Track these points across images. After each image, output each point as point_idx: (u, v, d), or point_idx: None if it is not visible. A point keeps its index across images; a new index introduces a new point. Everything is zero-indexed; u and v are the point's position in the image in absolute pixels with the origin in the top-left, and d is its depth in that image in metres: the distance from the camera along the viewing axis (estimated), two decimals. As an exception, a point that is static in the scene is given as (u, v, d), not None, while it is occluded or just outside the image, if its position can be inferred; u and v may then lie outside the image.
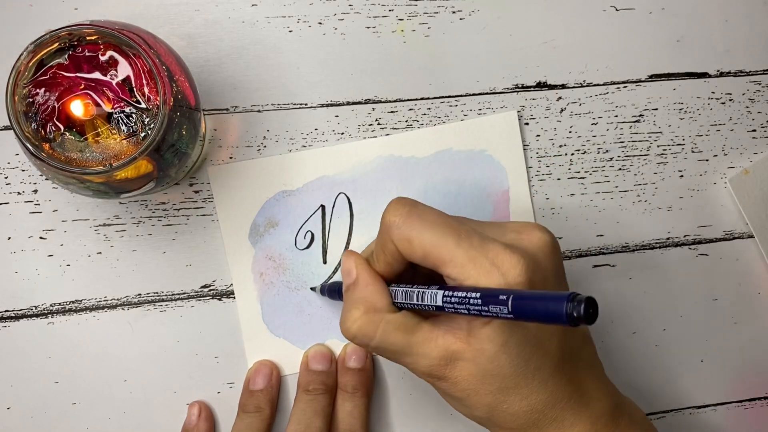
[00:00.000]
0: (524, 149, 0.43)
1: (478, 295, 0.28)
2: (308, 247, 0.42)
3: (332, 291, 0.39)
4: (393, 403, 0.43)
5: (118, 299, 0.40)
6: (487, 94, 0.43)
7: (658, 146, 0.44)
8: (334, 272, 0.42)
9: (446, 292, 0.30)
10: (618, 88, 0.44)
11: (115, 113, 0.32)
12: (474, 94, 0.43)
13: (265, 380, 0.40)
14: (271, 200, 0.41)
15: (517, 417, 0.32)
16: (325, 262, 0.42)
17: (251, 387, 0.40)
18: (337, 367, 0.41)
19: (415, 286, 0.32)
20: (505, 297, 0.26)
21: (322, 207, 0.42)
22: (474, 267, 0.30)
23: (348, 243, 0.42)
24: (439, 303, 0.30)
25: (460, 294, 0.29)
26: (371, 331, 0.32)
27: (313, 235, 0.42)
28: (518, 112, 0.43)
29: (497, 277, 0.30)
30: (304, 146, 0.42)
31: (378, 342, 0.32)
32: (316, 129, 0.42)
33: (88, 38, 0.32)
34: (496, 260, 0.30)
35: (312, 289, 0.42)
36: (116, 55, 0.32)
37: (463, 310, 0.29)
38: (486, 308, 0.28)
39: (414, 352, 0.32)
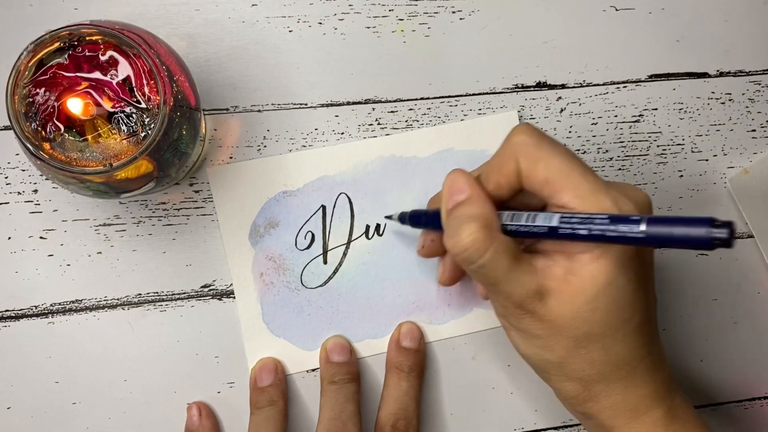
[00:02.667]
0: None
1: (606, 215, 0.28)
2: (309, 247, 0.42)
3: (416, 218, 0.38)
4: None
5: (118, 299, 0.40)
6: (487, 94, 0.43)
7: (658, 146, 0.44)
8: (335, 272, 0.42)
9: (564, 213, 0.30)
10: (618, 88, 0.44)
11: (116, 113, 0.32)
12: (474, 94, 0.43)
13: (272, 375, 0.40)
14: (271, 200, 0.41)
15: (592, 365, 0.32)
16: (325, 262, 0.42)
17: (259, 384, 0.40)
18: (356, 357, 0.41)
19: (524, 212, 0.32)
20: (638, 217, 0.27)
21: (323, 207, 0.42)
22: (596, 200, 0.30)
23: (348, 243, 0.42)
24: (555, 223, 0.30)
25: (582, 215, 0.29)
26: (484, 247, 0.31)
27: (313, 235, 0.42)
28: (518, 112, 0.43)
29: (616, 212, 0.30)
30: (305, 146, 0.42)
31: (487, 260, 0.31)
32: (316, 129, 0.42)
33: (88, 38, 0.32)
34: (618, 201, 0.30)
35: (387, 217, 0.41)
36: (116, 55, 0.32)
37: (582, 231, 0.29)
38: (614, 227, 0.27)
39: (514, 279, 0.31)
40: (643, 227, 0.27)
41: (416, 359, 0.41)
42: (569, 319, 0.31)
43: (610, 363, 0.32)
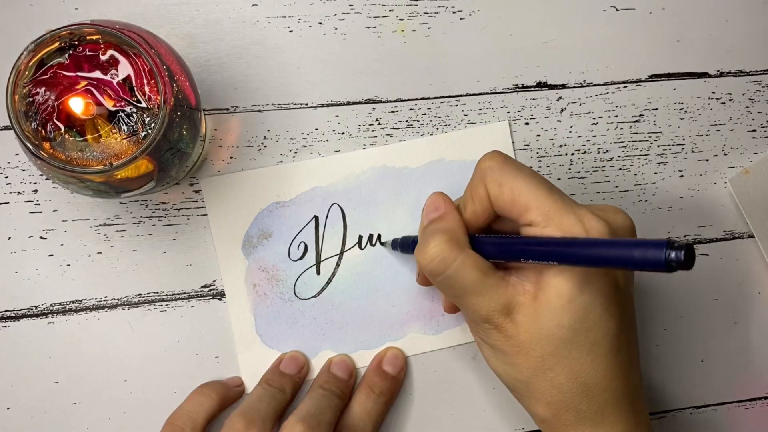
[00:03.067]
0: (525, 150, 0.43)
1: (562, 240, 0.29)
2: (302, 258, 0.42)
3: (405, 245, 0.40)
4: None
5: (118, 299, 0.40)
6: (487, 94, 0.43)
7: (658, 146, 0.44)
8: (328, 283, 0.42)
9: (530, 237, 0.31)
10: (618, 88, 0.44)
11: (116, 112, 0.32)
12: (474, 94, 0.43)
13: (296, 368, 0.41)
14: (264, 211, 0.41)
15: (559, 390, 0.32)
16: (318, 272, 0.42)
17: (282, 368, 0.40)
18: (355, 381, 0.41)
19: (491, 236, 0.33)
20: (589, 241, 0.28)
21: (316, 218, 0.42)
22: (559, 217, 0.31)
23: (341, 254, 0.42)
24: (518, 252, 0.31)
25: (540, 248, 0.30)
26: (450, 259, 0.32)
27: (306, 246, 0.42)
28: (518, 112, 0.43)
29: (580, 231, 0.30)
30: (305, 146, 0.42)
31: (453, 272, 0.32)
32: (316, 129, 0.42)
33: (88, 37, 0.32)
34: (583, 219, 0.31)
35: (382, 243, 0.42)
36: (117, 55, 0.32)
37: (547, 261, 0.29)
38: (568, 249, 0.28)
39: (481, 293, 0.32)
40: (596, 250, 0.27)
41: (390, 386, 0.41)
42: (535, 335, 0.31)
43: (579, 391, 0.32)
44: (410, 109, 0.42)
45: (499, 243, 0.32)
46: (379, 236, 0.42)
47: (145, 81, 0.32)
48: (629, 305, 0.34)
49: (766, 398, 0.46)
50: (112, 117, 0.32)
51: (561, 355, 0.31)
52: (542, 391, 0.33)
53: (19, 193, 0.40)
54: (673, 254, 0.24)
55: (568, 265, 0.30)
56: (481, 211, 0.34)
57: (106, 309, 0.40)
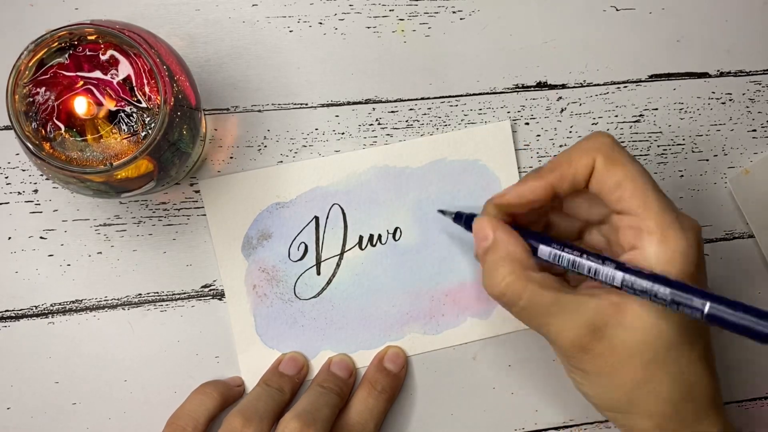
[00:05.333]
0: (525, 150, 0.43)
1: (668, 291, 0.28)
2: (302, 258, 0.42)
3: (470, 220, 0.37)
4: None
5: (118, 299, 0.40)
6: (487, 94, 0.43)
7: (658, 146, 0.44)
8: (328, 283, 0.42)
9: (627, 276, 0.29)
10: (618, 88, 0.44)
11: (117, 112, 0.32)
12: (474, 94, 0.43)
13: (296, 369, 0.41)
14: (264, 212, 0.41)
15: (662, 400, 0.31)
16: (318, 273, 0.42)
17: (281, 368, 0.40)
18: (355, 380, 0.41)
19: (585, 256, 0.31)
20: (699, 304, 0.27)
21: (316, 218, 0.42)
22: (660, 212, 0.30)
23: (342, 254, 0.42)
24: (617, 284, 0.30)
25: (645, 284, 0.29)
26: (520, 289, 0.31)
27: (306, 246, 0.42)
28: (514, 121, 0.43)
29: (677, 229, 0.30)
30: (305, 146, 0.42)
31: (527, 301, 0.31)
32: (316, 129, 0.42)
33: (88, 37, 0.32)
34: (683, 223, 0.30)
35: (440, 211, 0.41)
36: (117, 55, 0.32)
37: (644, 297, 0.29)
38: (676, 306, 0.28)
39: (560, 313, 0.31)
40: (706, 310, 0.27)
41: (392, 382, 0.41)
42: (633, 347, 0.30)
43: (681, 396, 0.31)
44: (410, 109, 0.42)
45: (591, 263, 0.31)
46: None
47: (145, 81, 0.32)
48: None
49: (766, 398, 0.46)
50: (112, 117, 0.32)
51: (662, 361, 0.31)
52: (645, 403, 0.31)
53: (19, 193, 0.40)
54: None
55: (663, 305, 0.29)
56: (570, 179, 0.32)
57: (106, 309, 0.40)
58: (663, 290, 0.28)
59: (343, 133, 0.42)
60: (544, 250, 0.33)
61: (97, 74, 0.32)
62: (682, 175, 0.45)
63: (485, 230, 0.33)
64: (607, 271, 0.30)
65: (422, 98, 0.42)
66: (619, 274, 0.30)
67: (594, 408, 0.35)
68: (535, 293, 0.31)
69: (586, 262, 0.31)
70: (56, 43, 0.31)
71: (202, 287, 0.41)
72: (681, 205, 0.45)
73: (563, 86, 0.44)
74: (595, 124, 0.44)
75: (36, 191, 0.40)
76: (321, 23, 0.42)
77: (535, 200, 0.33)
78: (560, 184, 0.33)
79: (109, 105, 0.32)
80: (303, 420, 0.36)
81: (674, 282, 0.28)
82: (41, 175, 0.40)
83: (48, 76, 0.31)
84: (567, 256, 0.32)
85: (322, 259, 0.42)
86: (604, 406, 0.33)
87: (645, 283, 0.29)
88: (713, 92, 0.45)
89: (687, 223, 0.31)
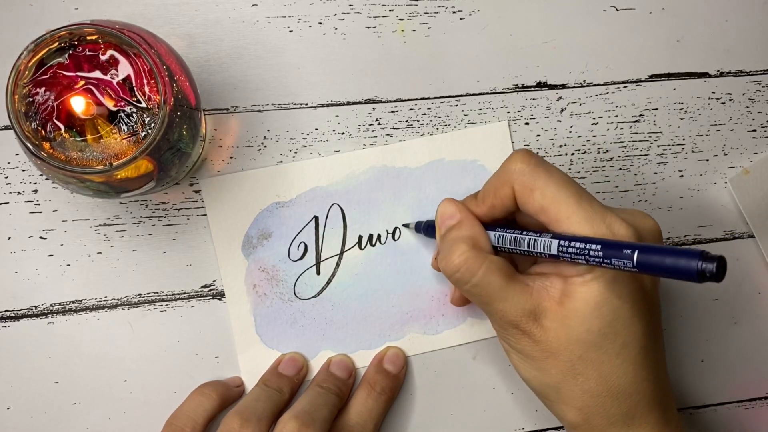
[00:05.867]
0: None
1: (599, 247, 0.29)
2: (302, 258, 0.42)
3: (430, 228, 0.39)
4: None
5: (118, 299, 0.40)
6: (487, 94, 0.43)
7: (658, 146, 0.44)
8: (328, 283, 0.42)
9: (562, 241, 0.30)
10: (618, 88, 0.44)
11: (117, 112, 0.32)
12: (474, 94, 0.43)
13: (295, 370, 0.41)
14: (264, 212, 0.41)
15: (590, 395, 0.32)
16: (318, 273, 0.42)
17: (280, 369, 0.40)
18: (354, 381, 0.41)
19: (525, 232, 0.33)
20: (629, 251, 0.27)
21: (316, 218, 0.42)
22: (590, 228, 0.31)
23: (341, 254, 0.42)
24: (554, 252, 0.31)
25: (578, 244, 0.30)
26: (475, 267, 0.32)
27: (306, 246, 0.42)
28: (518, 112, 0.43)
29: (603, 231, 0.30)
30: (305, 146, 0.42)
31: (479, 279, 0.32)
32: (316, 129, 0.42)
33: (88, 37, 0.32)
34: (612, 227, 0.31)
35: (405, 225, 0.42)
36: (117, 55, 0.32)
37: (580, 260, 0.30)
38: (608, 261, 0.28)
39: (508, 297, 0.32)
40: (635, 257, 0.27)
41: (391, 383, 0.41)
42: (564, 340, 0.32)
43: (609, 394, 0.32)
44: (410, 109, 0.42)
45: (529, 236, 0.32)
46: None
47: (145, 81, 0.32)
48: (656, 308, 0.34)
49: (766, 398, 0.46)
50: (112, 117, 0.32)
51: (591, 359, 0.31)
52: (573, 395, 0.33)
53: (19, 193, 0.40)
54: (705, 266, 0.25)
55: (597, 265, 0.29)
56: (500, 207, 0.34)
57: (106, 309, 0.40)
58: (594, 247, 0.29)
59: (343, 133, 0.42)
60: (490, 234, 0.34)
61: (97, 74, 0.32)
62: (682, 175, 0.45)
63: (451, 210, 0.35)
64: (543, 240, 0.31)
65: (422, 98, 0.42)
66: (555, 242, 0.31)
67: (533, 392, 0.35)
68: (489, 273, 0.32)
69: (525, 237, 0.33)
70: (56, 43, 0.31)
71: (202, 287, 0.41)
72: (681, 205, 0.45)
73: (563, 86, 0.44)
74: (595, 124, 0.44)
75: (36, 191, 0.40)
76: (321, 23, 0.42)
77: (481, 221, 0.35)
78: (493, 213, 0.34)
79: (109, 105, 0.32)
80: (301, 420, 0.36)
81: (604, 240, 0.29)
82: (41, 175, 0.40)
83: (48, 76, 0.31)
84: (509, 235, 0.33)
85: (322, 259, 0.42)
86: (537, 391, 0.35)
87: (578, 245, 0.30)
88: (713, 92, 0.45)
89: (623, 220, 0.31)
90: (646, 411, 0.33)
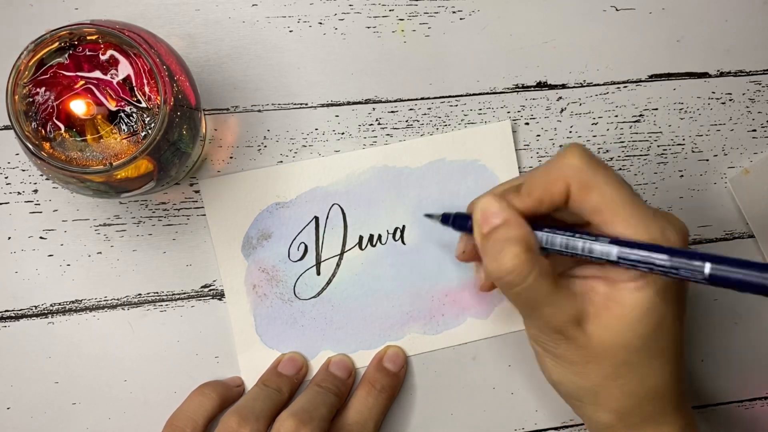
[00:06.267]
0: (525, 150, 0.43)
1: (666, 257, 0.28)
2: (302, 258, 0.42)
3: (462, 220, 0.37)
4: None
5: (118, 299, 0.40)
6: (487, 94, 0.43)
7: (658, 146, 0.44)
8: (328, 283, 0.42)
9: (624, 249, 0.29)
10: (618, 88, 0.44)
11: (117, 112, 0.32)
12: (474, 94, 0.43)
13: (294, 370, 0.41)
14: (264, 212, 0.41)
15: (629, 397, 0.32)
16: (318, 273, 0.42)
17: (280, 369, 0.40)
18: (354, 381, 0.41)
19: (578, 235, 0.31)
20: (700, 263, 0.26)
21: (316, 218, 0.42)
22: (646, 233, 0.30)
23: (342, 254, 0.42)
24: (613, 258, 0.30)
25: (642, 252, 0.29)
26: (527, 271, 0.30)
27: (306, 246, 0.42)
28: (514, 121, 0.43)
29: (662, 243, 0.30)
30: (305, 146, 0.42)
31: (530, 283, 0.31)
32: (316, 129, 0.42)
33: (88, 37, 0.32)
34: (666, 232, 0.30)
35: (428, 216, 0.40)
36: (117, 55, 0.32)
37: (642, 268, 0.29)
38: (674, 270, 0.27)
39: (555, 303, 0.31)
40: (707, 270, 0.26)
41: (391, 382, 0.41)
42: (609, 345, 0.31)
43: (648, 395, 0.32)
44: (410, 109, 0.42)
45: (585, 241, 0.31)
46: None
47: (145, 81, 0.32)
48: (685, 308, 0.34)
49: (766, 398, 0.46)
50: (112, 117, 0.32)
51: (634, 363, 0.31)
52: (611, 398, 0.32)
53: (19, 193, 0.40)
54: None
55: (660, 274, 0.29)
56: (548, 203, 0.32)
57: (106, 309, 0.40)
58: (660, 257, 0.28)
59: (343, 133, 0.42)
60: (536, 234, 0.32)
61: (97, 74, 0.32)
62: (682, 175, 0.45)
63: (495, 207, 0.32)
64: (601, 247, 0.30)
65: (422, 98, 0.42)
66: (615, 249, 0.30)
67: (558, 395, 0.35)
68: (539, 278, 0.31)
69: (579, 242, 0.31)
70: (56, 43, 0.31)
71: (202, 287, 0.41)
72: (681, 205, 0.45)
73: (563, 86, 0.44)
74: (595, 124, 0.44)
75: (36, 191, 0.40)
76: (321, 23, 0.42)
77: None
78: (539, 208, 0.32)
79: (109, 105, 0.32)
80: (299, 418, 0.36)
81: (670, 248, 0.28)
82: (41, 175, 0.40)
83: (48, 76, 0.31)
84: (559, 239, 0.32)
85: (322, 259, 0.42)
86: (569, 394, 0.34)
87: (641, 253, 0.29)
88: (713, 92, 0.45)
89: (670, 224, 0.31)
90: (675, 409, 0.33)
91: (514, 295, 0.32)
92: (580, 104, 0.44)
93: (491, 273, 0.32)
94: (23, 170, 0.40)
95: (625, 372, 0.32)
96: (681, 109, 0.45)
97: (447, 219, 0.39)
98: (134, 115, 0.32)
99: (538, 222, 0.33)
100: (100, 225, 0.40)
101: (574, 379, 0.33)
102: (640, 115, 0.44)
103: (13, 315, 0.40)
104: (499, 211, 0.32)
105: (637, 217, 0.30)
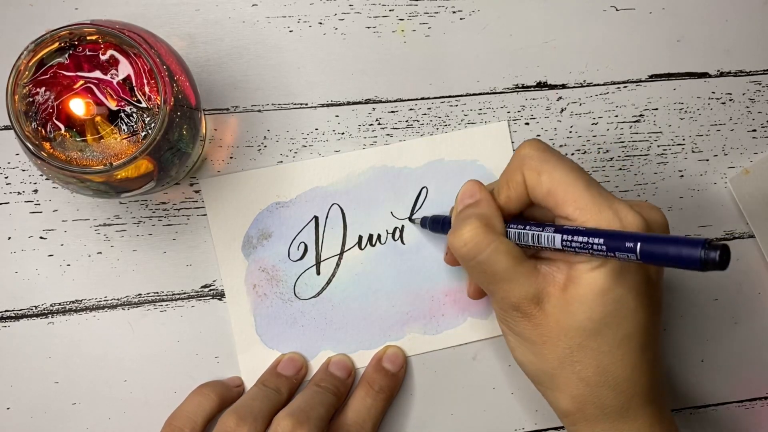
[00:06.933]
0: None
1: (602, 240, 0.29)
2: (302, 258, 0.42)
3: (436, 223, 0.40)
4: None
5: (118, 299, 0.40)
6: (487, 94, 0.43)
7: (658, 146, 0.44)
8: (328, 283, 0.42)
9: (565, 236, 0.30)
10: (618, 88, 0.44)
11: (117, 112, 0.32)
12: (474, 94, 0.43)
13: (294, 370, 0.41)
14: (264, 212, 0.41)
15: (585, 383, 0.32)
16: (318, 273, 0.42)
17: (279, 369, 0.40)
18: (353, 381, 0.41)
19: (528, 227, 0.33)
20: (632, 243, 0.27)
21: (315, 218, 0.42)
22: (597, 212, 0.31)
23: (341, 254, 0.42)
24: (558, 246, 0.31)
25: (581, 238, 0.30)
26: (484, 245, 0.32)
27: (306, 246, 0.42)
28: (518, 112, 0.43)
29: (617, 226, 0.30)
30: (305, 146, 0.42)
31: (486, 257, 0.32)
32: (316, 129, 0.42)
33: (88, 37, 0.32)
34: (620, 213, 0.31)
35: (411, 220, 0.42)
36: (117, 55, 0.32)
37: (584, 253, 0.30)
38: (612, 254, 0.28)
39: (512, 280, 0.32)
40: (638, 248, 0.27)
41: (390, 382, 0.41)
42: (564, 326, 0.31)
43: (606, 384, 0.32)
44: (410, 109, 0.42)
45: (533, 231, 0.32)
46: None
47: (145, 81, 0.32)
48: (659, 300, 0.34)
49: (766, 398, 0.46)
50: (112, 117, 0.32)
51: (590, 348, 0.31)
52: (568, 383, 0.33)
53: (19, 193, 0.40)
54: (709, 254, 0.25)
55: (602, 257, 0.30)
56: (515, 197, 0.34)
57: (106, 309, 0.40)
58: (597, 241, 0.29)
59: (343, 133, 0.42)
60: (517, 232, 0.34)
61: (97, 74, 0.32)
62: (682, 175, 0.45)
63: (472, 189, 0.35)
64: (547, 235, 0.31)
65: (422, 98, 0.42)
66: (558, 236, 0.31)
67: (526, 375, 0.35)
68: (496, 252, 0.32)
69: (529, 232, 0.32)
70: (56, 43, 0.31)
71: (202, 287, 0.41)
72: (681, 205, 0.45)
73: (563, 86, 0.44)
74: (595, 124, 0.44)
75: (36, 191, 0.40)
76: (321, 23, 0.42)
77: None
78: (509, 205, 0.34)
79: (110, 105, 0.32)
80: (296, 418, 0.36)
81: (607, 232, 0.29)
82: (41, 175, 0.40)
83: (48, 76, 0.31)
84: (512, 230, 0.33)
85: (322, 259, 0.42)
86: (532, 376, 0.35)
87: (581, 239, 0.30)
88: (713, 92, 0.45)
89: (634, 210, 0.31)
90: (641, 405, 0.33)
91: (470, 268, 0.33)
92: (580, 104, 0.44)
93: (451, 244, 0.33)
94: (23, 170, 0.40)
95: (581, 357, 0.32)
96: (681, 109, 0.45)
97: (424, 222, 0.41)
98: (134, 115, 0.32)
99: (518, 220, 0.35)
100: (100, 225, 0.40)
101: (534, 360, 0.33)
102: (640, 115, 0.44)
103: (13, 315, 0.40)
104: (475, 192, 0.35)
105: (588, 198, 0.31)
